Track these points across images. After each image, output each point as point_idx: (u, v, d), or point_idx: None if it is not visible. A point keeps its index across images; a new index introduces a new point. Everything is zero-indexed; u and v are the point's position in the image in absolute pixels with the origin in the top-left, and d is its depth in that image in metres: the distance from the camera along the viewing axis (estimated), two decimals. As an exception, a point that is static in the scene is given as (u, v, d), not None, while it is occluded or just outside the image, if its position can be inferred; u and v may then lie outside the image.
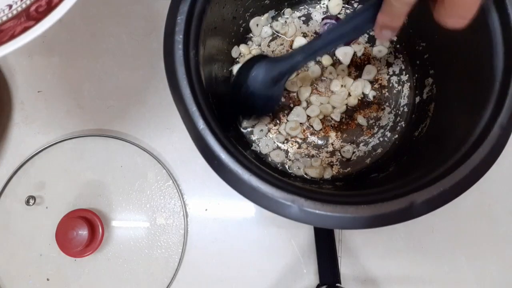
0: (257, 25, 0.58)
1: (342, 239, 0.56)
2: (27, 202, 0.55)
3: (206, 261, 0.56)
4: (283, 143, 0.56)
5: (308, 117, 0.56)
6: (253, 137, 0.56)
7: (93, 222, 0.53)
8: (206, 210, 0.57)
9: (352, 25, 0.41)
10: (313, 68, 0.57)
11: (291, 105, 0.56)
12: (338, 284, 0.50)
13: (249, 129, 0.56)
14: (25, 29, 0.30)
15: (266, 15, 0.58)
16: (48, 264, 0.55)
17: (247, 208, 0.57)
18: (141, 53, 0.61)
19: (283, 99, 0.57)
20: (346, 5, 0.59)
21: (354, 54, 0.57)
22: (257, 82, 0.48)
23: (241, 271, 0.56)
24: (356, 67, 0.57)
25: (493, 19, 0.40)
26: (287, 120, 0.56)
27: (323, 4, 0.59)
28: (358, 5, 0.58)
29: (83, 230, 0.51)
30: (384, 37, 0.38)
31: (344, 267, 0.55)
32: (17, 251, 0.56)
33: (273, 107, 0.54)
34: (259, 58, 0.49)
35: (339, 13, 0.59)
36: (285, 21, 0.59)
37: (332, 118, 0.56)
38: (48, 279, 0.55)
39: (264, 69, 0.48)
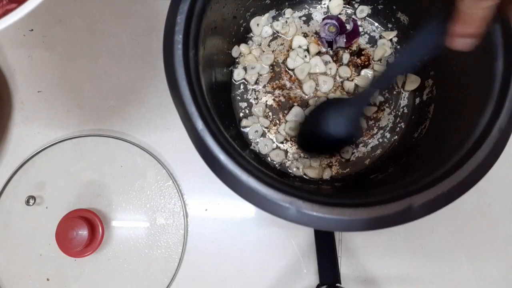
0: (257, 24, 0.58)
1: (342, 239, 0.56)
2: (27, 202, 0.55)
3: (206, 261, 0.56)
4: (283, 143, 0.56)
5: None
6: (252, 137, 0.56)
7: (93, 222, 0.53)
8: (206, 210, 0.57)
9: (419, 45, 0.40)
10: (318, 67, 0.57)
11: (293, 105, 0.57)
12: (338, 284, 0.50)
13: (248, 129, 0.56)
14: (7, 12, 0.29)
15: (266, 14, 0.58)
16: (48, 264, 0.55)
17: (247, 208, 0.57)
18: (141, 53, 0.61)
19: (282, 99, 0.57)
20: (347, 6, 0.59)
21: (355, 54, 0.57)
22: (331, 125, 0.50)
23: (241, 271, 0.56)
24: (357, 67, 0.57)
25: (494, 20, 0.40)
26: (286, 120, 0.56)
27: (324, 4, 0.59)
28: (358, 5, 0.58)
29: (83, 230, 0.51)
30: (463, 46, 0.34)
31: (344, 267, 0.55)
32: (17, 251, 0.56)
33: (353, 140, 0.55)
34: (330, 103, 0.51)
35: (339, 14, 0.58)
36: (286, 21, 0.59)
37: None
38: (48, 279, 0.55)
39: (338, 113, 0.50)
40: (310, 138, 0.53)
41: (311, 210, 0.34)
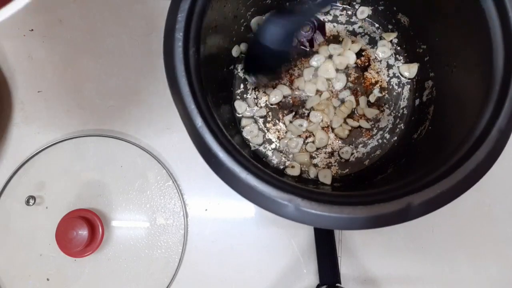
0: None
1: (342, 239, 0.56)
2: (27, 202, 0.55)
3: (206, 261, 0.56)
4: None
5: (310, 122, 0.56)
6: (251, 137, 0.56)
7: (93, 222, 0.53)
8: (206, 210, 0.57)
9: None
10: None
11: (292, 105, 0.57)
12: (338, 284, 0.50)
13: (247, 129, 0.56)
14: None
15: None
16: (48, 264, 0.55)
17: (247, 208, 0.57)
18: (141, 53, 0.61)
19: (282, 99, 0.57)
20: (348, 7, 0.59)
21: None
22: (273, 36, 0.48)
23: (241, 271, 0.56)
24: (356, 68, 0.57)
25: (494, 21, 0.40)
26: (290, 122, 0.56)
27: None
28: (359, 6, 0.58)
29: (83, 230, 0.51)
30: None
31: (344, 267, 0.55)
32: (17, 251, 0.56)
33: (284, 62, 0.54)
34: (276, 13, 0.50)
35: (340, 15, 0.59)
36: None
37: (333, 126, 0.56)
38: (48, 279, 0.55)
39: (281, 24, 0.48)
40: (254, 58, 0.52)
41: (310, 207, 0.34)
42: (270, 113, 0.57)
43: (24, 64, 0.61)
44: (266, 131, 0.56)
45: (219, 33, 0.50)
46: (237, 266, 0.56)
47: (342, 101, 0.56)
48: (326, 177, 0.54)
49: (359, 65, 0.57)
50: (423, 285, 0.55)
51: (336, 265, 0.52)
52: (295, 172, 0.54)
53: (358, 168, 0.55)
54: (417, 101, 0.56)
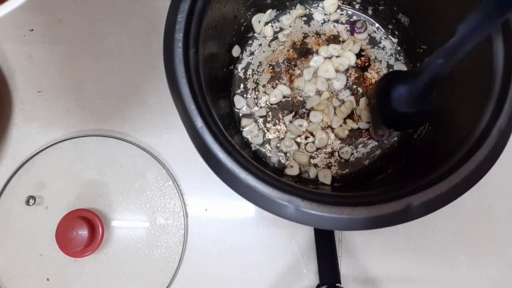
0: (259, 21, 0.57)
1: (342, 239, 0.56)
2: (27, 202, 0.55)
3: (206, 261, 0.56)
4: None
5: (310, 122, 0.56)
6: (251, 137, 0.56)
7: (93, 222, 0.53)
8: (206, 210, 0.57)
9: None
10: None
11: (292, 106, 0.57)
12: (338, 284, 0.50)
13: (247, 129, 0.56)
14: None
15: (269, 11, 0.58)
16: (48, 264, 0.55)
17: (247, 208, 0.57)
18: (141, 53, 0.61)
19: (282, 99, 0.57)
20: (347, 6, 0.59)
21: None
22: (401, 101, 0.44)
23: (241, 271, 0.56)
24: (357, 68, 0.57)
25: (494, 21, 0.39)
26: (290, 122, 0.56)
27: (322, 5, 0.59)
28: (359, 6, 0.58)
29: (83, 230, 0.51)
30: None
31: (344, 267, 0.55)
32: (17, 251, 0.56)
33: (428, 118, 0.50)
34: (394, 76, 0.47)
35: (335, 11, 0.59)
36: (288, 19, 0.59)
37: (332, 127, 0.56)
38: (48, 279, 0.55)
39: (404, 87, 0.44)
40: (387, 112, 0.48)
41: (309, 208, 0.34)
42: (270, 113, 0.57)
43: (24, 64, 0.61)
44: (266, 131, 0.56)
45: (219, 33, 0.50)
46: (237, 266, 0.56)
47: (342, 101, 0.56)
48: (326, 177, 0.54)
49: (359, 65, 0.57)
50: (423, 285, 0.55)
51: (336, 265, 0.52)
52: (293, 172, 0.54)
53: (358, 168, 0.55)
54: (417, 101, 0.55)
